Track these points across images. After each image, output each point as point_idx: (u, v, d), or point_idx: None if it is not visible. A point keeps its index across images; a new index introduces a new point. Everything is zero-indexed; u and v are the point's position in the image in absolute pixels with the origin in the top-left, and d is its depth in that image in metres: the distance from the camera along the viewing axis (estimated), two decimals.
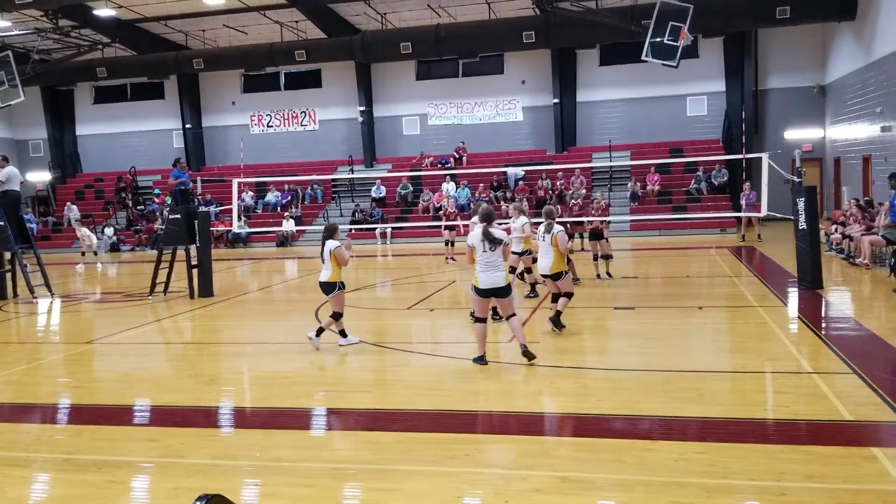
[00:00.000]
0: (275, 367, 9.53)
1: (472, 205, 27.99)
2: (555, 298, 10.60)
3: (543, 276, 10.56)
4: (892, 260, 13.94)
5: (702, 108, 30.38)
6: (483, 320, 8.91)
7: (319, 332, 10.16)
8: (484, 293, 8.78)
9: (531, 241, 12.64)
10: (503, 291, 8.83)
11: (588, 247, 16.67)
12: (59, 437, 7.13)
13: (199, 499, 3.38)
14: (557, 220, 10.86)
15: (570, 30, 26.30)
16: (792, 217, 13.94)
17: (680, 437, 6.36)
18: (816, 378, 7.80)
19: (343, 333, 10.21)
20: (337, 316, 10.10)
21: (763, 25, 26.99)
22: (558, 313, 10.37)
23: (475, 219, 12.06)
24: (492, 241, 8.71)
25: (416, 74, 33.18)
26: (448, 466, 5.85)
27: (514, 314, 9.01)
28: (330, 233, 10.14)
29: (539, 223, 11.15)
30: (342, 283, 10.06)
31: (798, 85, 29.07)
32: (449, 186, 29.53)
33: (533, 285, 13.71)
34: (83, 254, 25.02)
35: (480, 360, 8.84)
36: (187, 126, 35.12)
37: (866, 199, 18.62)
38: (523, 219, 13.11)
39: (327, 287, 10.09)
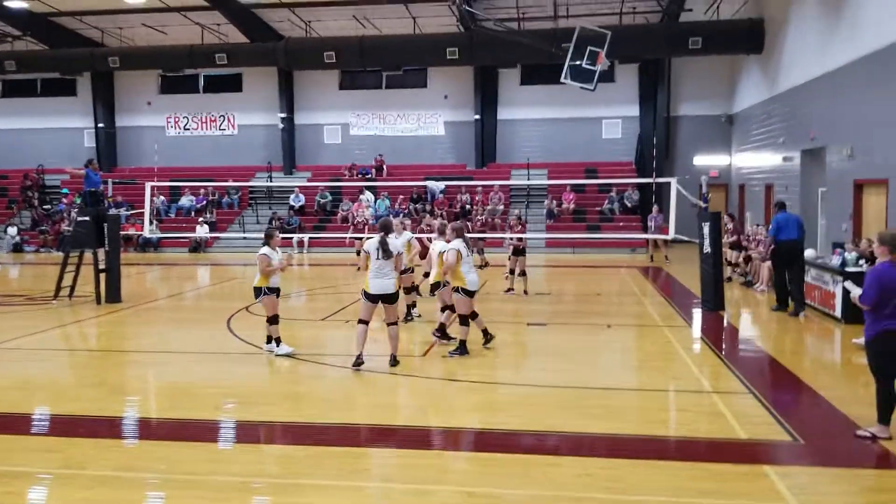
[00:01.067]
0: (183, 377, 9.36)
1: (391, 216, 28.13)
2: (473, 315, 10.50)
3: (475, 291, 10.37)
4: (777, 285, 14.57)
5: (616, 131, 31.28)
6: (366, 322, 9.36)
7: (268, 339, 10.35)
8: (373, 298, 9.27)
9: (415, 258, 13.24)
10: (391, 298, 9.37)
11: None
12: None
13: None
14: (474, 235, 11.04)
15: (493, 48, 26.67)
16: (697, 241, 14.51)
17: (586, 452, 6.55)
18: (716, 397, 8.16)
19: (277, 341, 10.27)
20: (269, 320, 10.20)
21: (676, 54, 28.00)
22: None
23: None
24: (386, 250, 9.24)
25: (340, 84, 33.08)
26: (357, 481, 5.89)
27: (395, 322, 9.52)
28: (266, 239, 10.30)
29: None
30: (267, 288, 10.07)
31: (707, 113, 30.26)
32: (368, 197, 29.48)
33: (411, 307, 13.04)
34: None
35: (358, 360, 9.30)
36: (100, 125, 34.03)
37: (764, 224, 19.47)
38: (407, 234, 13.36)
39: (254, 292, 10.27)
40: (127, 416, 7.77)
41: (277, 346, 10.20)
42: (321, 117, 33.18)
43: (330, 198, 30.47)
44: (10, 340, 11.51)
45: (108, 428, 7.33)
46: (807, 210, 19.67)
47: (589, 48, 20.58)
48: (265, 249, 10.11)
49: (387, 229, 9.50)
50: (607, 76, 26.44)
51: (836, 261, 13.15)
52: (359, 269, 20.54)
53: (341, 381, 9.19)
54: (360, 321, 9.41)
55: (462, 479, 5.88)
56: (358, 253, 21.47)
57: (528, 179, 29.22)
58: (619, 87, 30.55)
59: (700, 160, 30.07)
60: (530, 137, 31.68)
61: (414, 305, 13.11)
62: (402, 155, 32.07)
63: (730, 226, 18.07)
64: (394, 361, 9.44)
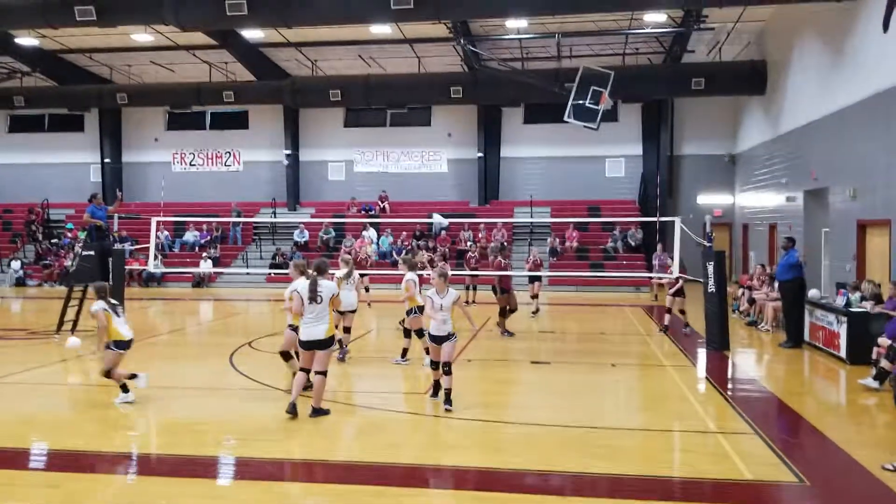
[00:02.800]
0: (184, 413, 9.30)
1: (394, 253, 28.17)
2: (446, 368, 9.20)
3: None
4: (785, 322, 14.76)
5: (620, 169, 31.42)
6: (307, 371, 8.75)
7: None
8: (304, 345, 8.66)
9: (415, 298, 11.74)
10: (322, 345, 8.65)
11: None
12: None
13: None
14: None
15: (496, 88, 26.97)
16: (702, 279, 14.50)
17: (590, 493, 6.49)
18: (721, 438, 8.09)
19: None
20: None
21: (679, 95, 28.29)
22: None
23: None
24: (315, 293, 8.55)
25: (345, 121, 33.34)
26: None
27: (324, 372, 8.73)
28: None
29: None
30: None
31: (710, 153, 30.41)
32: (371, 233, 29.55)
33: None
34: None
35: (292, 408, 8.59)
36: (106, 160, 34.23)
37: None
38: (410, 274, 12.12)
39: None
40: (128, 451, 7.72)
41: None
42: (326, 154, 33.39)
43: (333, 234, 30.54)
44: (11, 375, 11.48)
45: (108, 463, 7.29)
46: (810, 250, 19.68)
47: (592, 88, 20.83)
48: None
49: (321, 270, 8.77)
50: (610, 115, 26.64)
51: (840, 301, 13.15)
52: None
53: (343, 418, 9.13)
54: (301, 369, 8.82)
55: None
56: (366, 289, 21.27)
57: (531, 217, 29.29)
58: (622, 126, 30.75)
59: (703, 199, 30.16)
60: (533, 175, 31.85)
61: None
62: (406, 192, 32.19)
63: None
64: (315, 413, 8.65)
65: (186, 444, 7.88)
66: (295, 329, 9.63)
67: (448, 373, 9.06)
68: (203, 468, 7.17)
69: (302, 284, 8.67)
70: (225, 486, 6.84)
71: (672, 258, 16.55)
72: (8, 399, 10.15)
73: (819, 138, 19.36)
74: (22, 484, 6.64)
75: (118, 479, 6.91)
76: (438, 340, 9.29)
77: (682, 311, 16.08)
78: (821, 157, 19.22)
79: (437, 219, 29.18)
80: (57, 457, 7.55)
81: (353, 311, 12.70)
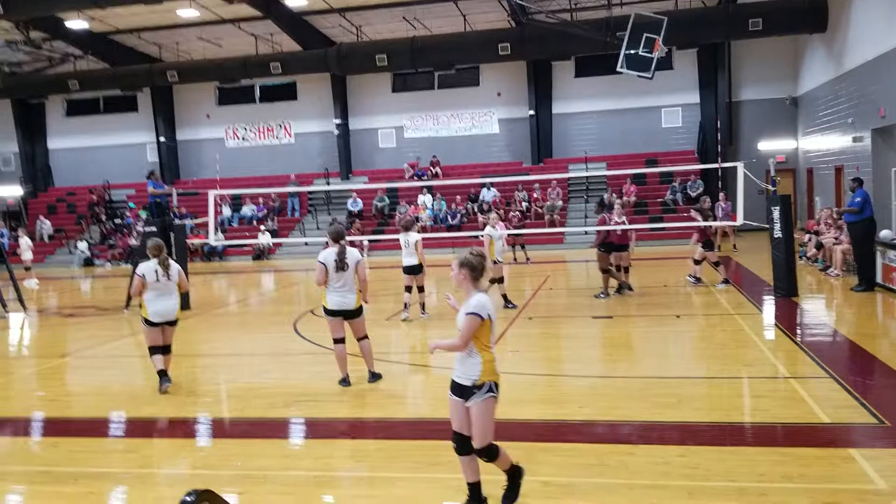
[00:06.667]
0: (252, 378, 9.46)
1: (448, 217, 28.14)
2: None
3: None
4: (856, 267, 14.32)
5: (676, 119, 30.64)
6: (341, 340, 8.58)
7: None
8: (333, 314, 8.49)
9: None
10: (353, 313, 8.52)
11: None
12: (34, 450, 7.03)
13: (189, 494, 3.42)
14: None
15: (545, 42, 26.44)
16: (766, 226, 14.11)
17: (660, 441, 6.39)
18: (794, 382, 7.88)
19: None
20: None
21: (735, 37, 27.28)
22: None
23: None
24: (342, 262, 8.34)
25: (392, 86, 33.19)
26: (431, 473, 5.85)
27: (365, 336, 8.71)
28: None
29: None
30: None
31: (771, 96, 29.40)
32: (426, 199, 29.54)
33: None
34: (27, 269, 24.10)
35: (344, 382, 8.56)
36: (161, 139, 34.82)
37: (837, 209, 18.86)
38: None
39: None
40: (200, 416, 7.88)
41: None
42: (375, 121, 33.34)
43: (388, 201, 30.60)
44: (85, 349, 11.85)
45: (183, 429, 7.45)
46: (879, 190, 18.98)
47: (645, 35, 20.27)
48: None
49: (340, 237, 8.48)
50: (665, 63, 25.94)
51: None
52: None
53: (405, 377, 9.19)
54: (336, 340, 8.57)
55: (536, 469, 5.77)
56: None
57: (587, 172, 28.76)
58: (677, 73, 29.89)
59: (765, 145, 29.25)
60: (587, 130, 31.29)
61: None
62: (457, 155, 31.98)
63: (698, 218, 16.01)
64: (373, 377, 8.64)
65: (257, 407, 8.01)
66: None
67: (492, 458, 5.28)
68: (274, 429, 7.28)
69: (327, 253, 8.41)
70: (296, 445, 6.94)
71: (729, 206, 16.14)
72: (82, 372, 10.48)
73: (887, 73, 18.53)
74: (99, 451, 6.82)
75: (192, 442, 7.05)
76: (458, 392, 5.48)
77: (698, 262, 15.78)
78: (889, 93, 18.41)
79: (487, 193, 29.13)
80: (132, 424, 7.74)
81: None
